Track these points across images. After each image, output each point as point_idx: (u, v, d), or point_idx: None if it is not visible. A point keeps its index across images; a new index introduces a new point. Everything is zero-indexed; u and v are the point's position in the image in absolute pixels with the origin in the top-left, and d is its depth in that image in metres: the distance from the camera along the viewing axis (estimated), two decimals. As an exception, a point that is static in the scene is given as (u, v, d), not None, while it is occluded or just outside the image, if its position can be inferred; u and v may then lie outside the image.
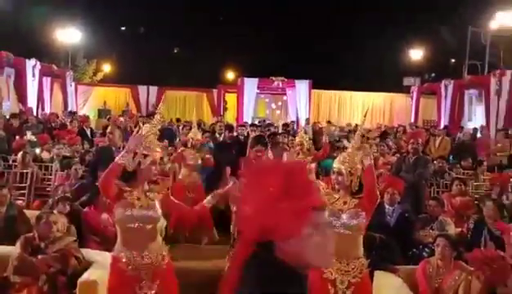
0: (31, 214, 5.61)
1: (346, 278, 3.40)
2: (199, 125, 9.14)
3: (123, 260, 3.29)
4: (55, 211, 4.78)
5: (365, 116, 4.18)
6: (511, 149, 11.40)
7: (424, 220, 5.78)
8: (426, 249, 5.17)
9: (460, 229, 5.75)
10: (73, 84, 20.54)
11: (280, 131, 11.16)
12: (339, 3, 29.02)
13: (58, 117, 13.34)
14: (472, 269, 3.84)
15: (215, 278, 5.47)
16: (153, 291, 3.31)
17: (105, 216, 5.52)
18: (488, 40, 20.18)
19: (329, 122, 18.12)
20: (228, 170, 8.06)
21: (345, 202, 3.49)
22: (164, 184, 3.64)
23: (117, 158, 3.28)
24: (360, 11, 27.85)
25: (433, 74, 27.64)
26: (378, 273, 4.26)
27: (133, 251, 3.30)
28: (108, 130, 7.60)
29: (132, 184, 3.36)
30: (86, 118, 13.66)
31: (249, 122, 16.67)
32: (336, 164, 3.58)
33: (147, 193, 3.39)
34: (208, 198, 3.75)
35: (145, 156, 3.34)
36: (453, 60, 26.98)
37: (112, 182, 3.27)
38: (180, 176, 7.34)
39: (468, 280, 3.87)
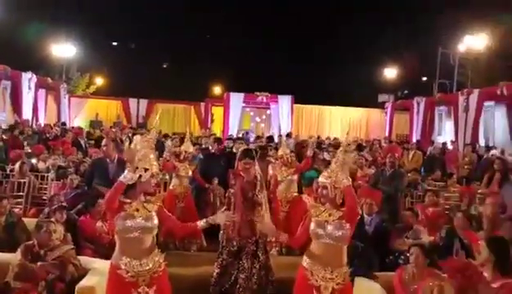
0: (28, 222, 5.59)
1: (330, 285, 3.43)
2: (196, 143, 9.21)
3: (123, 267, 3.31)
4: (53, 220, 4.74)
5: (347, 134, 4.20)
6: (478, 162, 11.65)
7: (399, 229, 5.88)
8: (402, 256, 5.23)
9: (432, 238, 5.84)
10: (66, 96, 20.39)
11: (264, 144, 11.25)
12: (321, 26, 29.46)
13: (52, 128, 13.17)
14: (444, 275, 3.92)
15: (205, 284, 5.51)
16: None
17: (99, 224, 5.51)
18: (457, 61, 20.61)
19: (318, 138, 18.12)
20: (215, 180, 8.11)
21: (330, 214, 3.51)
22: (159, 196, 3.65)
23: (121, 178, 3.31)
24: (339, 35, 28.32)
25: (405, 91, 28.07)
26: (358, 280, 4.32)
27: (132, 259, 3.33)
28: (103, 142, 7.53)
29: (131, 197, 3.39)
30: (80, 130, 13.55)
31: (235, 134, 16.74)
32: (321, 179, 3.61)
33: (145, 205, 3.42)
34: (202, 222, 3.75)
35: (146, 170, 3.37)
36: (424, 79, 27.44)
37: (117, 200, 3.32)
38: (171, 186, 7.37)
39: (441, 286, 3.95)
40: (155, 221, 3.43)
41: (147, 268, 3.35)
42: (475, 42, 18.58)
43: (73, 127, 15.92)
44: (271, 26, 30.17)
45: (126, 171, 3.33)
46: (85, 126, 18.32)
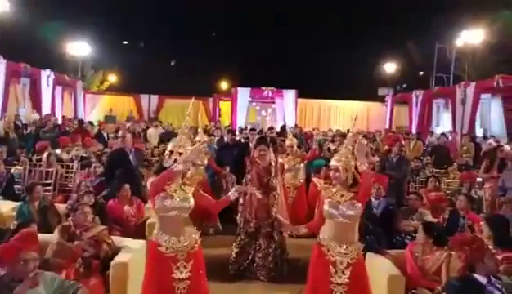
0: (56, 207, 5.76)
1: (345, 260, 3.55)
2: (204, 130, 9.37)
3: (163, 244, 3.44)
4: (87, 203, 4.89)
5: (355, 119, 4.28)
6: (475, 151, 11.75)
7: (405, 211, 6.00)
8: (408, 237, 5.37)
9: (436, 220, 5.96)
10: (82, 93, 20.56)
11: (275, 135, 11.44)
12: (322, 22, 29.44)
13: (71, 122, 13.39)
14: (451, 251, 4.05)
15: (222, 264, 5.65)
16: (188, 270, 3.46)
17: (127, 207, 5.67)
18: (453, 55, 20.62)
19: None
20: (227, 168, 8.26)
21: (342, 195, 3.61)
22: (195, 179, 3.76)
23: (173, 167, 3.39)
24: (340, 32, 28.33)
25: (404, 85, 28.04)
26: (370, 255, 4.45)
27: (171, 236, 3.46)
28: (120, 133, 7.68)
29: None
30: (103, 124, 13.91)
31: (242, 127, 16.85)
32: (333, 162, 3.69)
33: (182, 187, 3.53)
34: (233, 194, 3.85)
35: (181, 154, 3.48)
36: (422, 73, 27.40)
37: (165, 185, 3.43)
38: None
39: (449, 259, 4.08)
40: (192, 202, 3.53)
41: (185, 244, 3.48)
42: (472, 36, 18.59)
43: (90, 122, 16.13)
44: (274, 23, 30.21)
45: (178, 163, 3.39)
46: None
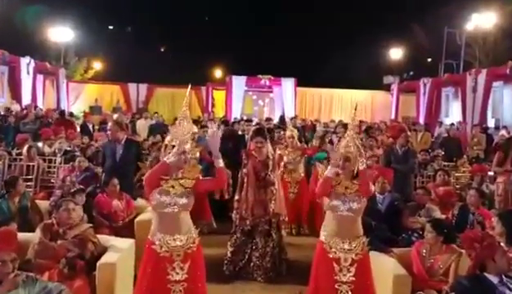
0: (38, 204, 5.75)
1: (349, 256, 3.61)
2: (197, 120, 9.37)
3: (157, 242, 3.44)
4: (71, 199, 4.87)
5: (355, 109, 4.23)
6: (487, 143, 11.77)
7: (412, 207, 5.99)
8: (415, 234, 5.37)
9: (445, 216, 5.98)
10: (65, 81, 20.46)
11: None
12: (324, 5, 29.27)
13: (55, 113, 13.36)
14: (461, 250, 4.06)
15: (216, 264, 5.65)
16: (184, 271, 3.45)
17: (116, 202, 5.70)
18: (463, 40, 20.60)
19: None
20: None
21: (347, 187, 3.66)
22: (196, 170, 3.68)
23: (165, 159, 3.42)
24: (342, 16, 28.15)
25: (411, 73, 28.04)
26: (373, 254, 4.44)
27: (166, 235, 3.44)
28: (108, 126, 7.66)
29: (168, 173, 3.49)
30: (89, 114, 13.88)
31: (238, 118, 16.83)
32: (343, 149, 3.73)
33: (181, 182, 3.50)
34: (221, 163, 3.73)
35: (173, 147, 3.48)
36: (430, 60, 27.38)
37: (159, 179, 3.43)
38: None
39: (458, 259, 4.09)
40: (190, 198, 3.51)
41: (180, 243, 3.45)
42: (483, 20, 18.55)
43: (71, 113, 16.12)
44: (272, 7, 30.05)
45: (171, 154, 3.41)
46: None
